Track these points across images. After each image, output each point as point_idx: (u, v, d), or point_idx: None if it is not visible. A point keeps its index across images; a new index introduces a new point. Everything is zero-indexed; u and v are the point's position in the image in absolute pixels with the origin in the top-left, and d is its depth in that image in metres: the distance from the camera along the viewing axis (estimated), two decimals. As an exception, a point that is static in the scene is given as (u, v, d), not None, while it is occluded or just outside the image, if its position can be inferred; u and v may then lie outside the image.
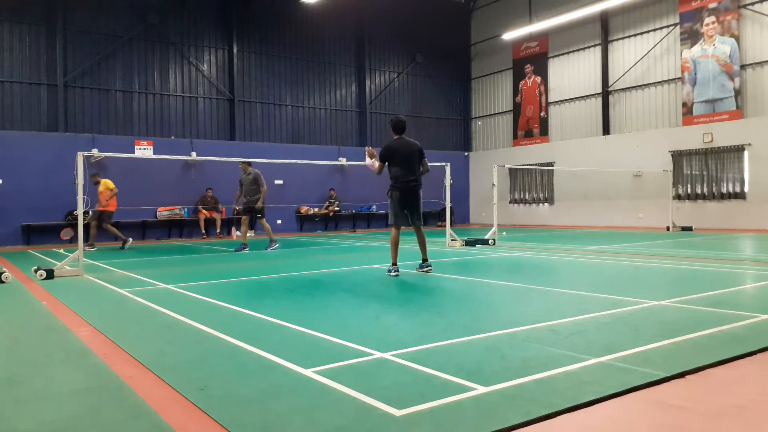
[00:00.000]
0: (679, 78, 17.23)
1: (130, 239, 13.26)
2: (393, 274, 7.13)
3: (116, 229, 13.06)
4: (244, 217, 12.08)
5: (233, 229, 16.96)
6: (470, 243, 11.57)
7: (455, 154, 22.49)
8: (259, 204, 11.70)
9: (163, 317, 4.86)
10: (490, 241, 11.75)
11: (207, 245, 13.68)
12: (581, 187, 19.46)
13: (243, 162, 11.95)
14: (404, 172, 7.23)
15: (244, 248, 11.58)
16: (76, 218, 8.61)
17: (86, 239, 12.00)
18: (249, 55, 18.90)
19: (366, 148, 7.76)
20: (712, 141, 16.23)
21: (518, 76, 21.98)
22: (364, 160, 8.72)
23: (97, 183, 12.96)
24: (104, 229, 12.97)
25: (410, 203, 7.31)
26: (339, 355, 3.47)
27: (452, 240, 11.67)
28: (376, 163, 7.42)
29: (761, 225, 15.11)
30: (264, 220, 11.99)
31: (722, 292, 5.61)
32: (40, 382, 3.14)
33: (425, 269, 7.39)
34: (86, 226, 12.31)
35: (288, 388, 2.93)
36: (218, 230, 16.53)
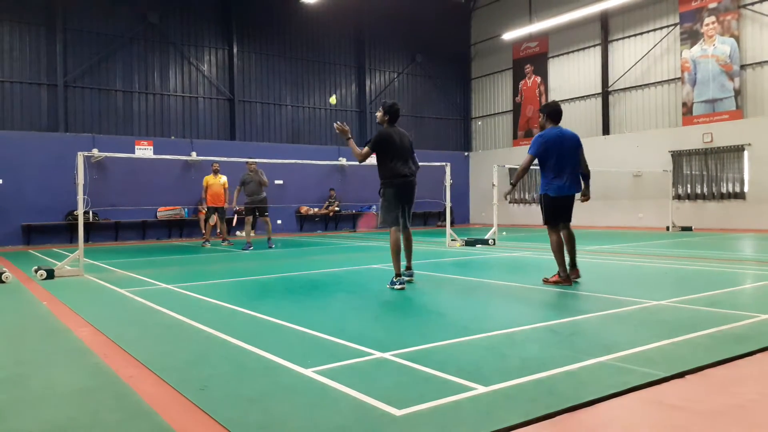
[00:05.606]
0: (679, 78, 17.23)
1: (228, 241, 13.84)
2: (398, 287, 6.05)
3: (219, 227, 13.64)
4: (248, 217, 12.34)
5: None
6: (470, 243, 11.56)
7: (455, 154, 22.48)
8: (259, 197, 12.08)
9: (163, 317, 4.86)
10: (490, 241, 11.74)
11: (207, 245, 13.67)
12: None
13: (250, 161, 12.14)
14: (403, 164, 6.41)
15: (249, 247, 11.80)
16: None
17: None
18: (249, 55, 18.89)
19: (335, 123, 6.57)
20: (711, 141, 16.23)
21: (518, 76, 21.97)
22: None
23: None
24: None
25: (408, 201, 6.48)
26: (339, 355, 3.47)
27: (452, 240, 11.65)
28: (357, 149, 6.52)
29: (761, 225, 15.10)
30: (267, 218, 12.32)
31: (722, 292, 5.61)
32: (40, 382, 3.14)
33: (408, 278, 6.49)
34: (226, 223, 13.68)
35: (288, 388, 2.93)
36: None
